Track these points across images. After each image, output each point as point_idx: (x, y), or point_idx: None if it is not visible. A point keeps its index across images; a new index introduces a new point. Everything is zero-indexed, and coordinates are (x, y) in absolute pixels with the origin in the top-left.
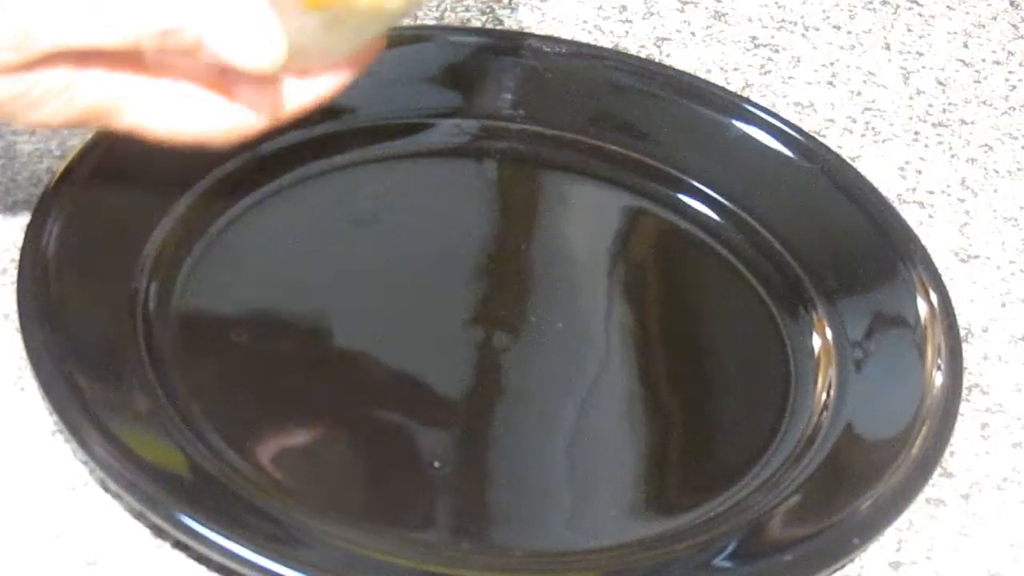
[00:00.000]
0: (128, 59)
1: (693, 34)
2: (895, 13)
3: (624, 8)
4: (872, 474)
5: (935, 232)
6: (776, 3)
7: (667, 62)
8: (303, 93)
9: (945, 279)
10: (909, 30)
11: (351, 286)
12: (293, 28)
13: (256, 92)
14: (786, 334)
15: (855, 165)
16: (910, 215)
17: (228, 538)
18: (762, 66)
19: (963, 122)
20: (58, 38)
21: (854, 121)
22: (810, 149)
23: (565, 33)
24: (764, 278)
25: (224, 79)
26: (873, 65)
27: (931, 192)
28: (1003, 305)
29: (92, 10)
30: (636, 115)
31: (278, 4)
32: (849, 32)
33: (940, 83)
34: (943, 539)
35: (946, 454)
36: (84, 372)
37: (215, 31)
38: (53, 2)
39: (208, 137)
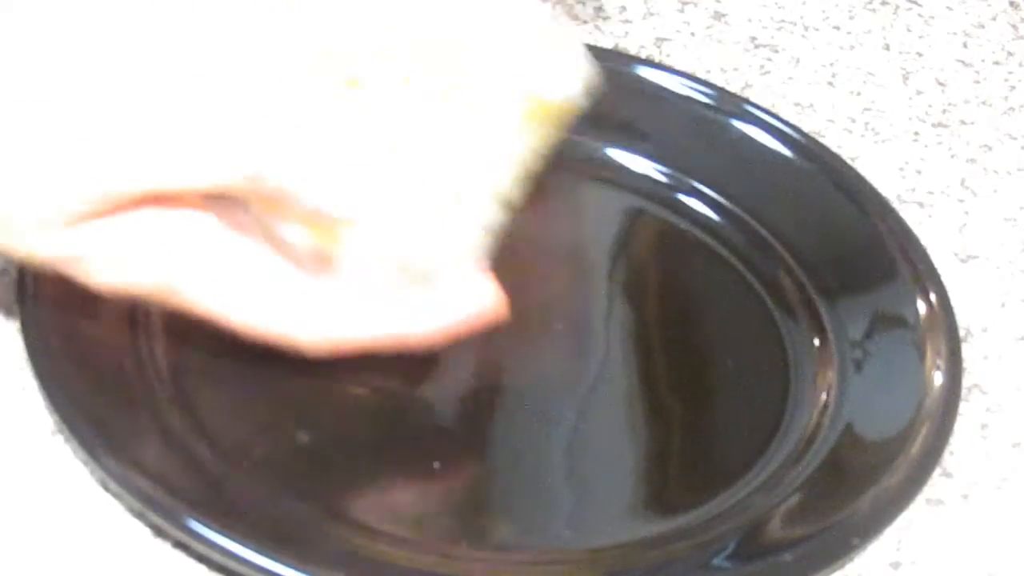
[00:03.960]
0: (219, 210)
1: (693, 34)
2: (895, 13)
3: (624, 8)
4: (872, 474)
5: (935, 232)
6: (776, 3)
7: (667, 62)
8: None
9: (945, 279)
10: (909, 30)
11: None
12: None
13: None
14: (786, 334)
15: (855, 165)
16: (910, 215)
17: (228, 538)
18: (762, 66)
19: (963, 122)
20: (137, 181)
21: (854, 121)
22: (810, 149)
23: None
24: (764, 278)
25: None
26: (873, 65)
27: (931, 192)
28: (1003, 305)
29: (174, 151)
30: (636, 115)
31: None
32: (849, 32)
33: (940, 83)
34: (943, 539)
35: (946, 454)
36: (84, 372)
37: (300, 176)
38: (131, 144)
39: (288, 339)
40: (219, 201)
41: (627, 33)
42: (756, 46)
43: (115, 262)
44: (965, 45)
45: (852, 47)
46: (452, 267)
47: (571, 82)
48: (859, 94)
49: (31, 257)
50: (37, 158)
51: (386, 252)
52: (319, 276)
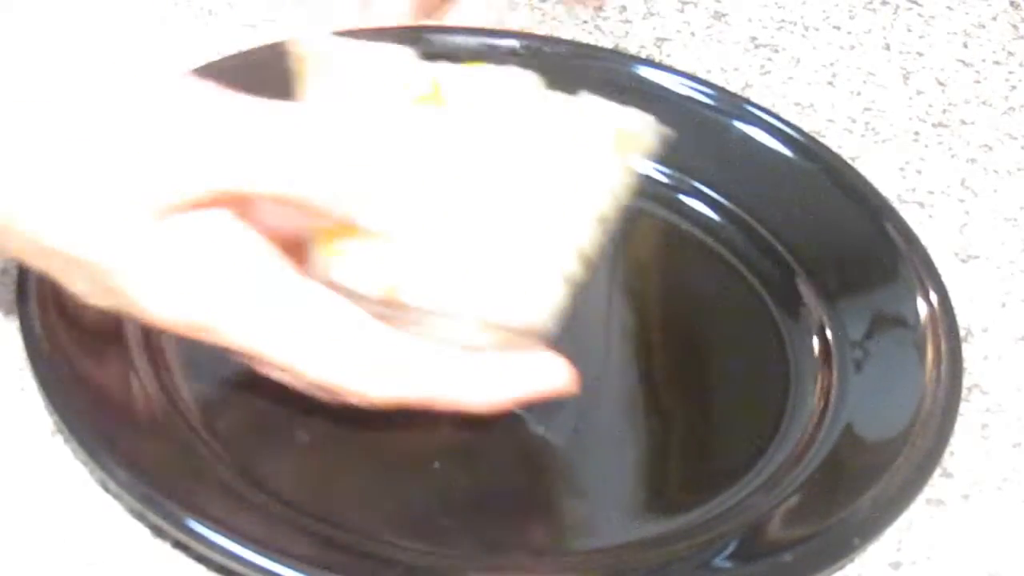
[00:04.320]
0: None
1: (693, 34)
2: (895, 13)
3: (624, 8)
4: (872, 474)
5: (935, 232)
6: (776, 3)
7: (667, 62)
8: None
9: (945, 279)
10: (909, 30)
11: None
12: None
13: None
14: (786, 334)
15: (855, 165)
16: (910, 215)
17: (228, 538)
18: (762, 66)
19: (963, 122)
20: (218, 180)
21: (854, 121)
22: (810, 149)
23: (565, 33)
24: (764, 278)
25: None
26: (873, 65)
27: (931, 192)
28: (1003, 305)
29: (251, 155)
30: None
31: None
32: (849, 32)
33: (940, 83)
34: (943, 539)
35: (946, 454)
36: (84, 372)
37: (370, 196)
38: (219, 141)
39: (353, 392)
40: (293, 243)
41: (627, 33)
42: (756, 46)
43: (171, 283)
44: (965, 45)
45: (852, 47)
46: (532, 323)
47: (647, 119)
48: (859, 94)
49: (90, 266)
50: (119, 148)
51: (462, 300)
52: (392, 327)
